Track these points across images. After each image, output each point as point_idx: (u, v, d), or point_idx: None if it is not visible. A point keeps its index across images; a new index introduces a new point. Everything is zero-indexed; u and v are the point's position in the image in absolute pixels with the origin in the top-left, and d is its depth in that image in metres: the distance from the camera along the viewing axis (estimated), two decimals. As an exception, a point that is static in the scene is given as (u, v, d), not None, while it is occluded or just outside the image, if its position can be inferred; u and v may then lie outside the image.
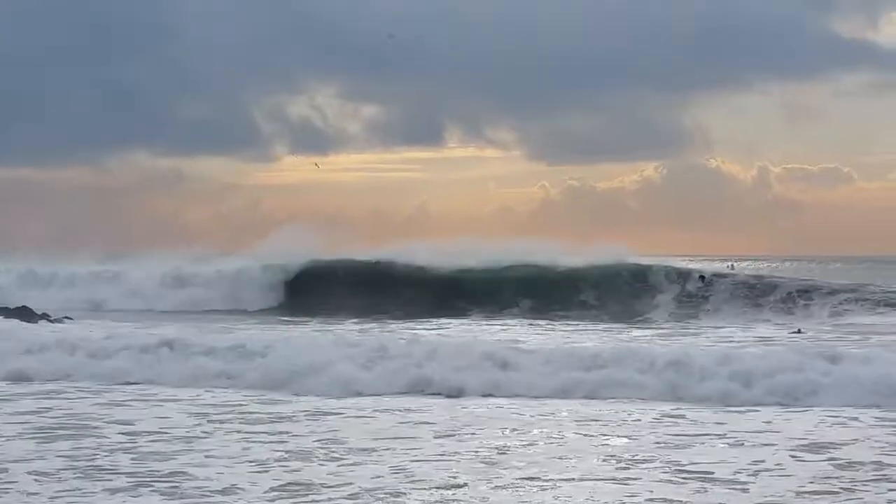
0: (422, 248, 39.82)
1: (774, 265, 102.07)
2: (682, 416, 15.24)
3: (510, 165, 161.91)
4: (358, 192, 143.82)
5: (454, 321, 32.18)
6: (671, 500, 10.57)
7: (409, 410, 15.89)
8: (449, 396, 17.13)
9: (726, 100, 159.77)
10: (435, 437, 13.73)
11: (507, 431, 14.18)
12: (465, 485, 11.14)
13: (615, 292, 35.67)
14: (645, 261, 38.74)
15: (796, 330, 28.25)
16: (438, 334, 27.41)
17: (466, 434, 13.94)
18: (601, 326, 30.45)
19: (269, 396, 17.23)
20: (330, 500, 10.60)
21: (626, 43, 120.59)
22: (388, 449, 12.96)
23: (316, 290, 37.30)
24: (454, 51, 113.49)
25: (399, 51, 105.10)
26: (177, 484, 11.14)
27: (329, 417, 15.35)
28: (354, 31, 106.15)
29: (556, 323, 31.92)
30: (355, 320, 32.27)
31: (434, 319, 32.51)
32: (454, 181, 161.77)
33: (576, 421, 14.96)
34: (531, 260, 37.75)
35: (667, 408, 15.88)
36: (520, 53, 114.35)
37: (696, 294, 34.81)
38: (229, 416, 15.34)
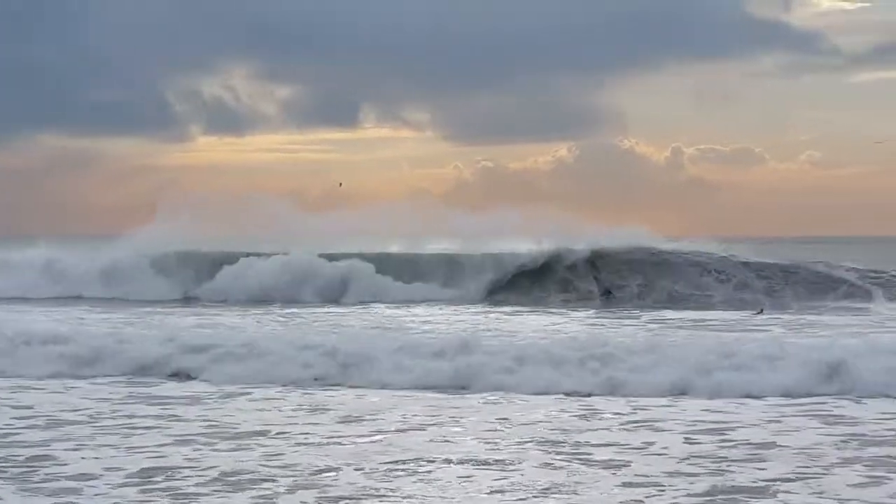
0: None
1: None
2: (587, 404, 14.85)
3: (424, 146, 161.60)
4: (272, 173, 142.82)
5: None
6: (536, 483, 10.32)
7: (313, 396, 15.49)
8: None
9: (640, 80, 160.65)
10: (336, 423, 13.46)
11: (408, 417, 13.88)
12: (339, 469, 10.82)
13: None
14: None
15: (759, 310, 28.23)
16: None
17: (367, 420, 13.63)
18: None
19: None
20: (185, 483, 10.22)
21: (539, 24, 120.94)
22: (278, 434, 12.64)
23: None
24: (369, 32, 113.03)
25: (314, 31, 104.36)
26: (34, 468, 10.72)
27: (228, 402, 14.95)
28: (269, 12, 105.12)
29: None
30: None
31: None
32: (369, 162, 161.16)
33: (471, 408, 14.68)
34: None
35: (572, 398, 15.43)
36: (434, 34, 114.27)
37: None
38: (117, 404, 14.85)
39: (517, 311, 29.03)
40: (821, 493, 9.95)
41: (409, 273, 35.08)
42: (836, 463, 11.13)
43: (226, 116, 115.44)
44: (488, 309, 30.03)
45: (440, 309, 30.00)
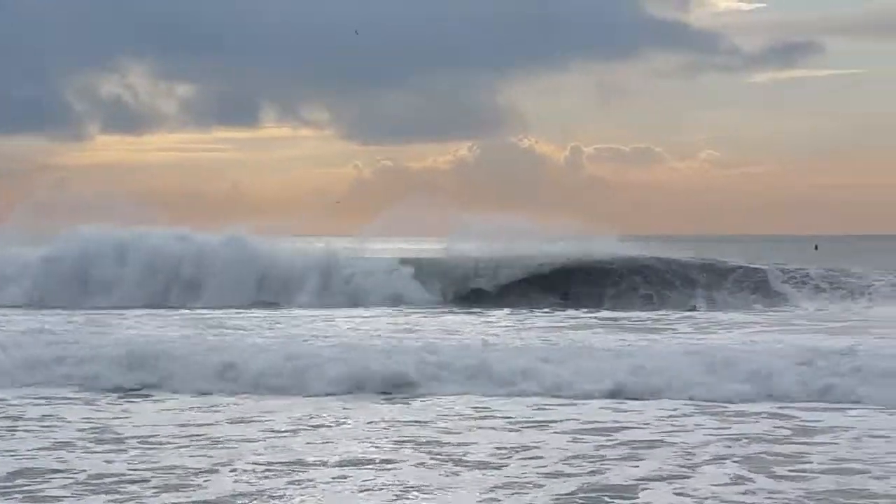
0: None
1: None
2: (484, 406, 14.81)
3: (324, 145, 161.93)
4: (171, 172, 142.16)
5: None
6: (406, 483, 10.34)
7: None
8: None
9: (541, 80, 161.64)
10: (228, 424, 13.43)
11: (295, 418, 13.82)
12: (215, 471, 10.78)
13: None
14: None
15: (692, 307, 28.44)
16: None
17: (257, 421, 13.59)
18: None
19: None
20: (48, 486, 10.15)
21: (440, 23, 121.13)
22: (165, 436, 12.58)
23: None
24: (270, 31, 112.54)
25: (214, 30, 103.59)
26: None
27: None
28: (169, 10, 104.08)
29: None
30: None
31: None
32: (268, 161, 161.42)
33: (363, 409, 14.66)
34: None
35: (470, 398, 15.37)
36: (334, 34, 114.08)
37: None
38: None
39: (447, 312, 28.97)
40: (682, 491, 10.04)
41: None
42: (709, 461, 11.22)
43: (124, 115, 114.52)
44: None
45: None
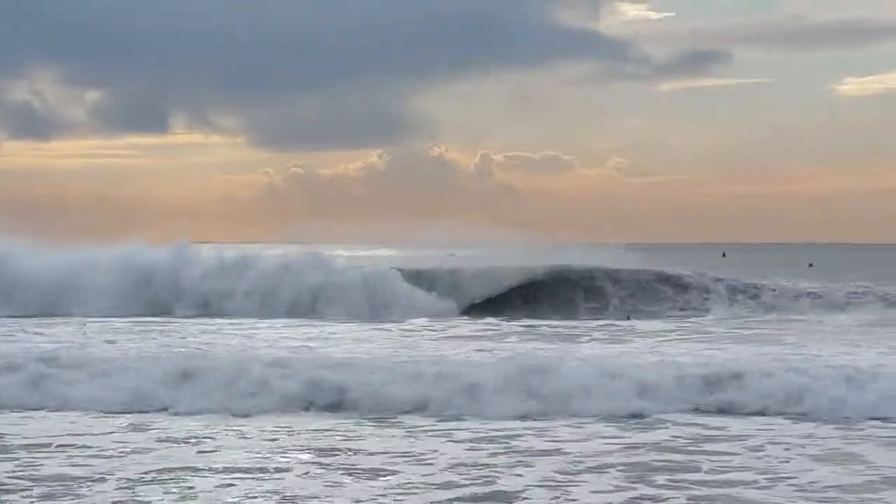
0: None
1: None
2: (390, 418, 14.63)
3: (234, 152, 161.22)
4: (80, 178, 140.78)
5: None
6: (290, 490, 10.35)
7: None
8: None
9: (451, 87, 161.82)
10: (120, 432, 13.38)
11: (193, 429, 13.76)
12: (100, 479, 10.71)
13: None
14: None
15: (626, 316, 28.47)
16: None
17: (153, 430, 13.55)
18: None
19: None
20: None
21: (351, 29, 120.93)
22: (58, 446, 12.49)
23: None
24: (180, 36, 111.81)
25: (124, 35, 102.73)
26: None
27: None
28: (77, 14, 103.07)
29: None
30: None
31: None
32: (178, 168, 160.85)
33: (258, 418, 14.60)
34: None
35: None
36: (245, 40, 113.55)
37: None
38: None
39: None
40: (557, 497, 10.11)
41: None
42: (593, 468, 11.30)
43: (31, 121, 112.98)
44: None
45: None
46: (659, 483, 10.73)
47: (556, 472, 11.16)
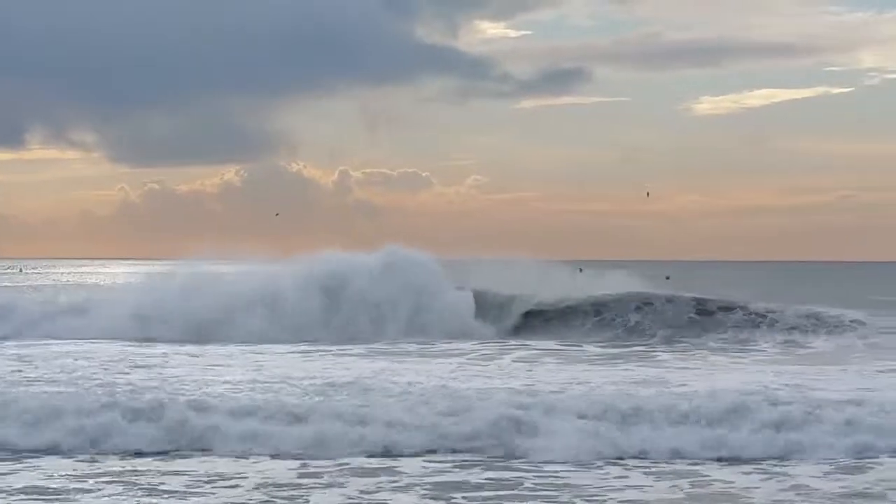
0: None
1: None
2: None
3: (91, 167, 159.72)
4: None
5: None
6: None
7: None
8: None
9: (311, 104, 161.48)
10: None
11: None
12: None
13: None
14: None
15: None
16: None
17: None
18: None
19: None
20: None
21: (208, 46, 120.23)
22: None
23: None
24: (38, 51, 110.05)
25: None
26: None
27: None
28: None
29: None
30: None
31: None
32: (34, 183, 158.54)
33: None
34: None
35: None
36: (103, 55, 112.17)
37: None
38: None
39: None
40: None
41: None
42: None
43: None
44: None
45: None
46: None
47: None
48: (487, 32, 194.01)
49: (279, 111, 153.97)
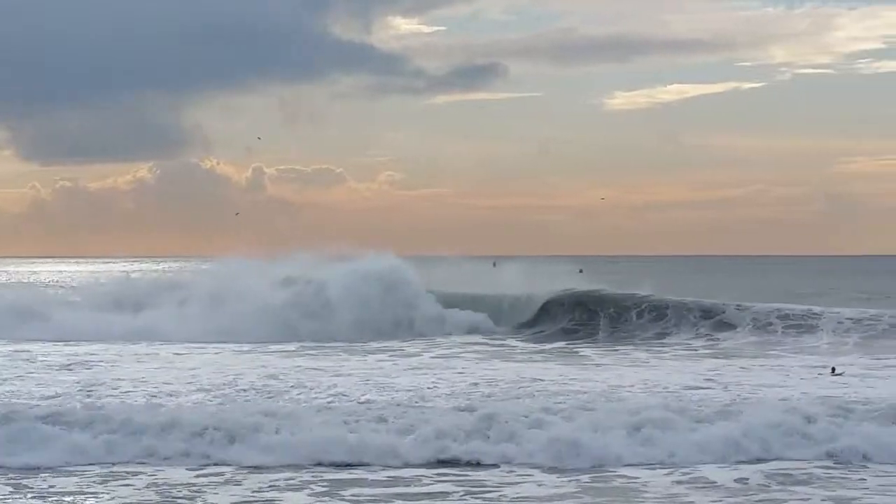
0: None
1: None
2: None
3: (2, 165, 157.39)
4: None
5: None
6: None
7: None
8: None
9: (224, 100, 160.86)
10: None
11: None
12: None
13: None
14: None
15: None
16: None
17: None
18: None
19: None
20: None
21: (121, 42, 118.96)
22: None
23: None
24: None
25: None
26: None
27: None
28: None
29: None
30: None
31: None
32: None
33: None
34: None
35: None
36: (13, 52, 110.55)
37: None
38: None
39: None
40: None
41: None
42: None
43: None
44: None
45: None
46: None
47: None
48: (401, 28, 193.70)
49: (193, 108, 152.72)
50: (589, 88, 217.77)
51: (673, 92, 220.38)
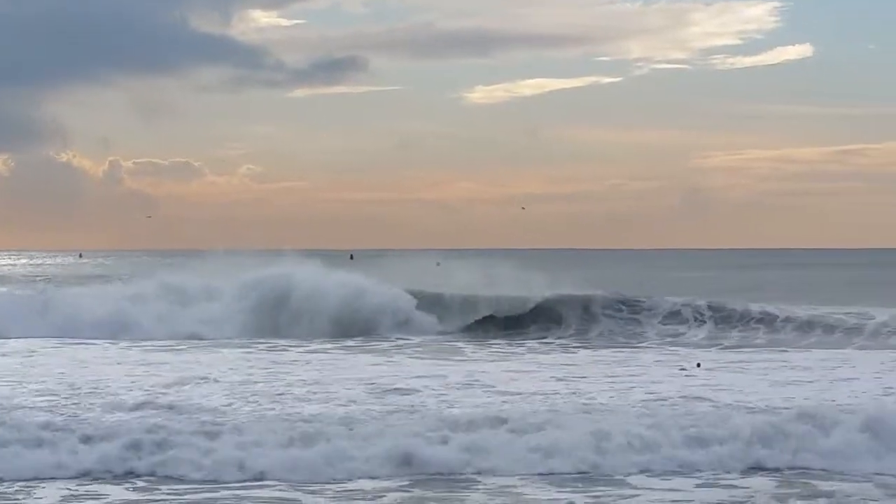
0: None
1: (130, 260, 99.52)
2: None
3: None
4: None
5: None
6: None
7: None
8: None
9: (81, 93, 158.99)
10: None
11: None
12: None
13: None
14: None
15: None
16: None
17: None
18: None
19: None
20: None
21: None
22: None
23: None
24: None
25: None
26: None
27: None
28: None
29: None
30: None
31: None
32: None
33: None
34: None
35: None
36: None
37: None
38: None
39: None
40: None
41: None
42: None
43: None
44: None
45: None
46: None
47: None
48: (261, 21, 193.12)
49: (49, 101, 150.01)
50: (449, 82, 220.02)
51: (532, 86, 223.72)
